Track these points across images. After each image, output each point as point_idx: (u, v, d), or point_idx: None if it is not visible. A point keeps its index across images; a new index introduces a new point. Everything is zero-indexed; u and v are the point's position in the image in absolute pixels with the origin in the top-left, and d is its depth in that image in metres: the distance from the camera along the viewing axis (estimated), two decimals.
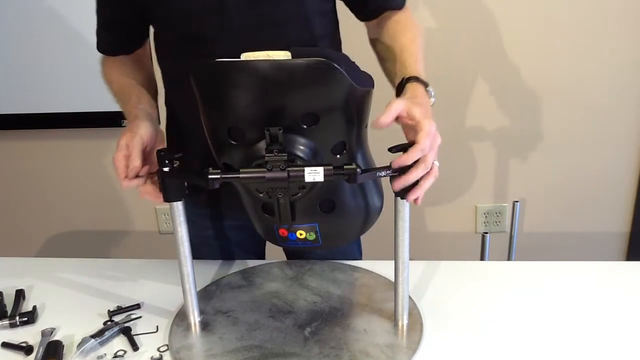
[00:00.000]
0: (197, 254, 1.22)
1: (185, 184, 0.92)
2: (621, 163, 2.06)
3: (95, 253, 2.33)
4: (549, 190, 2.12)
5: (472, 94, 2.01)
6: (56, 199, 2.29)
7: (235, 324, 1.01)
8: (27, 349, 0.97)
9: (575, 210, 2.14)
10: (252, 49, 0.84)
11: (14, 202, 2.32)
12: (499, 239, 2.16)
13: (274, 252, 1.28)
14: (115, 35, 1.13)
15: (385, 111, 0.82)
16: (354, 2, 1.11)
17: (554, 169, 2.09)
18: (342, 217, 0.96)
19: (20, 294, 1.11)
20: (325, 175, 0.83)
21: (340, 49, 1.15)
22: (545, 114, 2.01)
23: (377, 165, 0.90)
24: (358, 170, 0.83)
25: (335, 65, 0.80)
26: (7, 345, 0.98)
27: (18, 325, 1.03)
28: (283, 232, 0.96)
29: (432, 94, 0.95)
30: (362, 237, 1.32)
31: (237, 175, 0.85)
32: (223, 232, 1.23)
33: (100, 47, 1.15)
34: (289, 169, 0.83)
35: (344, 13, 1.13)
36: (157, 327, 1.02)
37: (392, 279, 1.08)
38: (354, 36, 1.14)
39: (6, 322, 1.03)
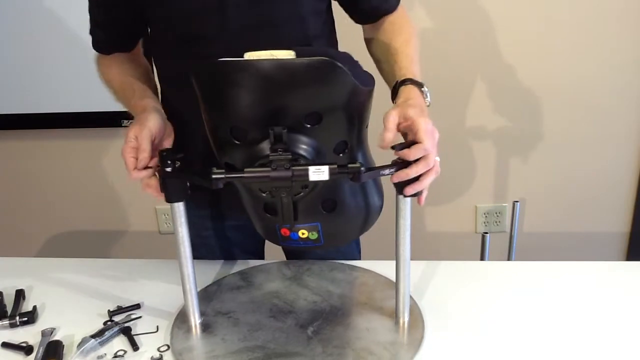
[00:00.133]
0: (197, 254, 1.22)
1: (187, 184, 0.92)
2: (621, 163, 2.06)
3: (95, 253, 2.33)
4: (549, 190, 2.12)
5: (472, 94, 2.01)
6: (56, 199, 2.29)
7: (237, 324, 1.01)
8: (27, 349, 0.97)
9: (575, 210, 2.14)
10: (251, 49, 0.84)
11: (14, 202, 2.32)
12: (499, 239, 2.15)
13: (274, 252, 1.28)
14: (113, 34, 1.12)
15: (384, 129, 0.84)
16: (349, 5, 1.12)
17: (554, 169, 2.08)
18: (344, 217, 0.96)
19: (20, 294, 1.11)
20: (330, 174, 0.83)
21: (337, 49, 1.15)
22: (546, 113, 2.01)
23: (377, 165, 0.90)
24: (362, 168, 0.84)
25: (339, 65, 0.80)
26: (7, 345, 0.98)
27: (18, 325, 1.03)
28: (285, 231, 0.96)
29: (428, 94, 0.95)
30: (361, 237, 1.32)
31: (241, 175, 0.85)
32: (223, 232, 1.23)
33: (97, 46, 1.14)
34: (293, 168, 0.83)
35: (341, 14, 1.13)
36: (157, 327, 1.02)
37: (392, 278, 1.09)
38: (351, 36, 1.14)
39: (6, 322, 1.03)
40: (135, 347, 0.96)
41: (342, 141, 0.89)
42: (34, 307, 1.06)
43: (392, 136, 0.84)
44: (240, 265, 1.21)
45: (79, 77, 1.96)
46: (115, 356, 0.95)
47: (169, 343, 0.97)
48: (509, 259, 2.05)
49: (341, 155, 0.89)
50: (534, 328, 0.98)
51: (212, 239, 1.24)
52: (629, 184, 2.09)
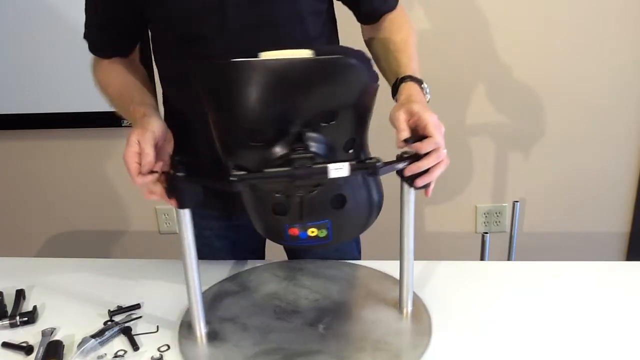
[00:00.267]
0: (198, 254, 1.22)
1: (201, 189, 0.90)
2: (621, 163, 2.06)
3: (95, 253, 2.33)
4: (549, 190, 2.12)
5: (471, 94, 2.01)
6: (56, 199, 2.29)
7: (245, 329, 0.99)
8: (28, 349, 0.97)
9: (575, 210, 2.14)
10: (251, 49, 0.84)
11: (14, 202, 2.32)
12: (499, 239, 2.15)
13: (274, 252, 1.28)
14: (112, 35, 1.11)
15: (398, 130, 0.88)
16: (353, 7, 1.13)
17: (554, 169, 2.08)
18: (351, 212, 0.96)
19: (20, 294, 1.11)
20: (350, 170, 0.84)
21: None
22: (546, 114, 2.01)
23: None
24: (379, 163, 0.86)
25: (357, 62, 0.82)
26: (7, 345, 0.98)
27: (18, 325, 1.04)
28: (294, 231, 0.94)
29: (427, 90, 0.97)
30: (361, 237, 1.32)
31: (263, 176, 0.84)
32: (225, 232, 1.23)
33: (95, 49, 1.12)
34: (315, 166, 0.84)
35: (342, 14, 1.14)
36: (158, 327, 1.02)
37: (386, 272, 1.14)
38: (352, 36, 1.14)
39: (6, 322, 1.03)
40: (135, 347, 0.96)
41: (351, 138, 0.90)
42: (34, 307, 1.06)
43: (407, 135, 0.88)
44: (238, 266, 1.20)
45: (79, 77, 1.96)
46: (116, 356, 0.95)
47: (179, 350, 0.97)
48: (509, 259, 2.05)
49: (350, 151, 0.90)
50: (534, 328, 0.98)
51: (214, 239, 1.24)
52: (629, 184, 2.09)
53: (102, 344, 0.97)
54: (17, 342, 0.99)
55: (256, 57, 0.80)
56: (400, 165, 0.88)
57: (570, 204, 2.13)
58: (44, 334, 1.01)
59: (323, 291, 1.09)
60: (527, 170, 2.10)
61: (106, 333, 0.98)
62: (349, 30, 1.16)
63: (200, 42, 1.01)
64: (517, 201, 1.95)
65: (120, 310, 1.06)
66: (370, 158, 0.87)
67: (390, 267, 1.15)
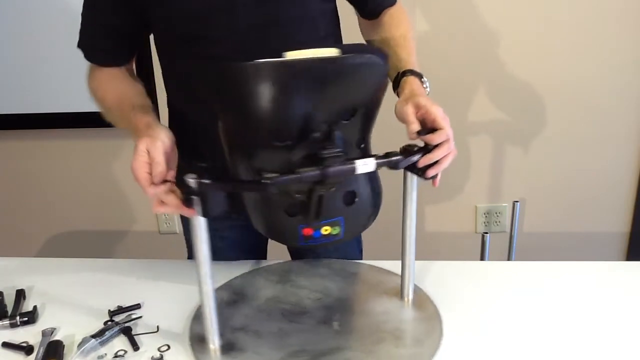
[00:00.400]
0: None
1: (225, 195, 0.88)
2: (621, 163, 2.06)
3: (95, 253, 2.33)
4: (549, 190, 2.12)
5: (471, 94, 2.01)
6: (56, 199, 2.29)
7: (260, 336, 0.97)
8: (28, 349, 0.97)
9: (575, 210, 2.14)
10: (259, 48, 0.85)
11: (14, 202, 2.32)
12: (499, 239, 2.15)
13: (274, 252, 1.28)
14: (112, 43, 1.08)
15: (408, 122, 0.92)
16: (358, 4, 1.15)
17: (554, 169, 2.08)
18: (359, 208, 0.97)
19: (20, 294, 1.11)
20: (377, 165, 0.87)
21: None
22: (546, 113, 2.01)
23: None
24: (399, 157, 0.89)
25: (380, 60, 0.84)
26: (7, 345, 0.98)
27: (18, 325, 1.03)
28: (308, 231, 0.93)
29: (427, 84, 1.01)
30: (362, 237, 1.33)
31: (298, 176, 0.83)
32: (227, 233, 1.23)
33: (93, 56, 1.09)
34: (348, 163, 0.85)
35: (343, 14, 1.14)
36: (158, 327, 1.02)
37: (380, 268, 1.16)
38: (353, 36, 1.15)
39: (7, 322, 1.03)
40: (135, 347, 0.96)
41: (362, 135, 0.91)
42: (35, 307, 1.06)
43: (418, 127, 0.91)
44: (239, 267, 1.20)
45: (79, 77, 1.95)
46: (116, 356, 0.95)
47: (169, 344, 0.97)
48: (509, 259, 2.05)
49: (362, 146, 0.92)
50: (534, 328, 0.98)
51: (215, 240, 1.23)
52: (629, 184, 2.09)
53: (102, 344, 0.97)
54: (17, 342, 0.99)
55: (281, 56, 0.80)
56: (416, 158, 0.91)
57: (570, 204, 2.13)
58: (44, 334, 1.01)
59: (323, 289, 1.09)
60: (527, 170, 2.10)
61: (106, 333, 0.98)
62: (350, 31, 1.16)
63: (208, 42, 1.00)
64: (517, 201, 1.95)
65: (120, 310, 1.06)
66: (394, 152, 0.90)
67: (388, 266, 1.15)
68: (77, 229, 2.35)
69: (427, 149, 0.91)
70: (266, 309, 1.05)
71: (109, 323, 1.02)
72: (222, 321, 0.97)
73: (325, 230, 0.93)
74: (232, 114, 0.85)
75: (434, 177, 0.93)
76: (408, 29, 1.13)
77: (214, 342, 0.95)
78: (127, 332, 1.00)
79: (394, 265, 1.14)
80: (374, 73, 0.85)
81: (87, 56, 1.10)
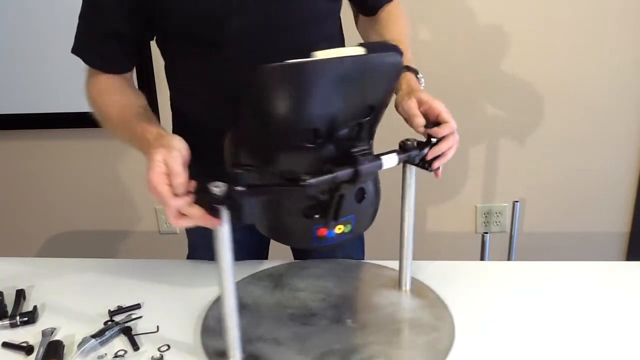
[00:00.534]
0: (203, 256, 1.22)
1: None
2: (621, 163, 2.06)
3: (95, 253, 2.33)
4: (549, 190, 2.12)
5: (471, 94, 2.01)
6: (56, 199, 2.29)
7: (280, 343, 0.95)
8: (28, 349, 0.97)
9: (575, 210, 2.14)
10: (270, 50, 0.86)
11: (14, 202, 2.32)
12: (499, 239, 2.15)
13: (276, 252, 1.28)
14: (117, 49, 1.04)
15: (414, 116, 0.95)
16: (356, 3, 1.16)
17: (554, 169, 2.09)
18: (367, 205, 0.97)
19: (20, 294, 1.11)
20: (398, 160, 0.90)
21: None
22: (546, 114, 2.01)
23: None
24: (417, 150, 0.93)
25: (400, 57, 0.86)
26: (7, 345, 0.98)
27: (18, 325, 1.03)
28: (322, 231, 0.92)
29: (422, 80, 1.04)
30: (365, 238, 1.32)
31: (333, 175, 0.83)
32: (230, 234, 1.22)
33: (95, 62, 1.05)
34: (376, 159, 0.87)
35: (343, 13, 1.14)
36: (158, 327, 1.02)
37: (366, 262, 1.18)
38: (352, 34, 1.16)
39: (7, 322, 1.03)
40: (135, 347, 0.96)
41: (373, 130, 0.92)
42: (35, 307, 1.06)
43: (424, 121, 0.95)
44: (239, 267, 1.20)
45: (79, 77, 1.96)
46: (116, 356, 0.95)
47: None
48: (509, 259, 2.05)
49: (371, 142, 0.93)
50: (534, 328, 0.98)
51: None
52: (629, 184, 2.09)
53: (102, 344, 0.97)
54: (17, 342, 0.99)
55: (310, 57, 0.81)
56: (426, 150, 0.95)
57: (570, 204, 2.13)
58: (44, 334, 1.01)
59: (322, 290, 1.09)
60: (527, 170, 2.10)
61: (106, 333, 0.98)
62: (348, 30, 1.17)
63: (219, 45, 0.99)
64: (517, 201, 1.96)
65: (120, 310, 1.06)
66: (411, 144, 0.94)
67: (384, 264, 1.15)
68: (77, 229, 2.35)
69: (431, 142, 0.94)
70: (274, 316, 1.03)
71: (109, 323, 1.02)
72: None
73: (339, 229, 0.93)
74: (264, 116, 0.83)
75: (437, 169, 0.97)
76: (405, 25, 1.15)
77: (236, 356, 0.91)
78: (127, 332, 0.99)
79: (390, 265, 1.14)
80: (395, 69, 0.87)
81: (89, 61, 1.06)
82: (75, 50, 1.05)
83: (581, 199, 2.12)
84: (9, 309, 1.08)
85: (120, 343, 0.98)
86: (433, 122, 0.95)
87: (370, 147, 0.92)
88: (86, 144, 2.18)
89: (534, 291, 1.08)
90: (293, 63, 0.78)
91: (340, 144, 0.87)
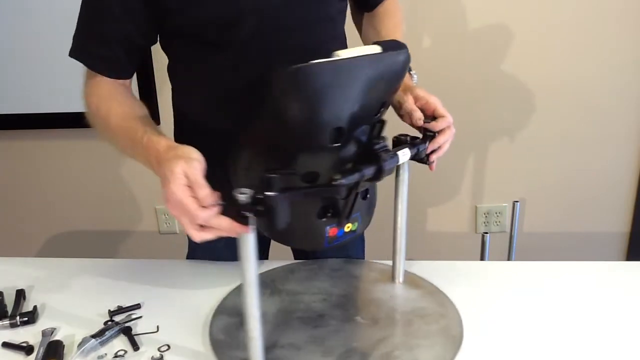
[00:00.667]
0: (200, 255, 1.23)
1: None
2: (621, 163, 2.06)
3: (95, 253, 2.33)
4: (549, 190, 2.12)
5: (471, 94, 2.01)
6: (56, 199, 2.29)
7: (300, 348, 0.94)
8: (28, 349, 0.97)
9: (575, 210, 2.14)
10: (280, 51, 0.90)
11: (14, 202, 2.32)
12: (499, 239, 2.15)
13: (275, 252, 1.28)
14: (121, 53, 1.00)
15: (413, 110, 0.99)
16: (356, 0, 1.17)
17: (554, 169, 2.09)
18: (370, 202, 0.98)
19: (20, 294, 1.11)
20: (410, 155, 0.93)
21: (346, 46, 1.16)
22: (545, 114, 2.01)
23: None
24: (424, 144, 0.97)
25: (409, 55, 0.88)
26: (7, 345, 0.98)
27: (18, 325, 1.03)
28: (333, 231, 0.92)
29: (415, 77, 1.07)
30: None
31: (361, 173, 0.84)
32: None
33: (100, 66, 1.01)
34: (394, 155, 0.88)
35: None
36: (158, 327, 1.02)
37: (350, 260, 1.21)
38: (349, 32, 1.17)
39: (7, 322, 1.03)
40: (135, 347, 0.96)
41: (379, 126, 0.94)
42: (35, 307, 1.06)
43: (422, 115, 0.99)
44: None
45: (79, 77, 1.96)
46: (116, 356, 0.95)
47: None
48: (509, 259, 2.05)
49: (385, 139, 0.95)
50: (534, 328, 0.98)
51: (216, 241, 1.23)
52: (629, 184, 2.09)
53: (102, 344, 0.97)
54: (17, 342, 0.99)
55: (331, 57, 0.81)
56: (427, 144, 0.99)
57: (570, 204, 2.13)
58: (44, 334, 1.01)
59: (320, 290, 1.09)
60: (527, 170, 2.10)
61: (106, 333, 0.98)
62: (347, 28, 1.17)
63: (228, 46, 0.98)
64: (517, 201, 1.95)
65: (120, 310, 1.06)
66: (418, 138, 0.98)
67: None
68: (77, 229, 2.35)
69: (429, 135, 0.99)
70: (282, 322, 1.01)
71: (109, 323, 1.02)
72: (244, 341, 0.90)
73: (348, 227, 0.93)
74: (290, 117, 0.82)
75: (431, 163, 1.01)
76: (400, 21, 1.17)
77: None
78: (127, 332, 1.00)
79: (382, 262, 1.14)
80: (405, 66, 0.89)
81: (92, 65, 1.02)
82: (76, 53, 1.02)
83: (581, 199, 2.12)
84: (9, 309, 1.08)
85: (120, 343, 0.98)
86: (429, 116, 1.00)
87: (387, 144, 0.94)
88: (86, 144, 2.18)
89: (534, 291, 1.08)
90: (321, 63, 0.79)
91: (359, 142, 0.88)
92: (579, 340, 0.94)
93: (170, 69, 1.10)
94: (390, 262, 1.12)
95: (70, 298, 1.11)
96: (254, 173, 0.89)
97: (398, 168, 1.01)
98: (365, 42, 1.20)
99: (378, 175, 0.87)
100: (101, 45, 0.99)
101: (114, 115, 0.97)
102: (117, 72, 1.02)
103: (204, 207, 0.78)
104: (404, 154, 0.92)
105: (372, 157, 0.86)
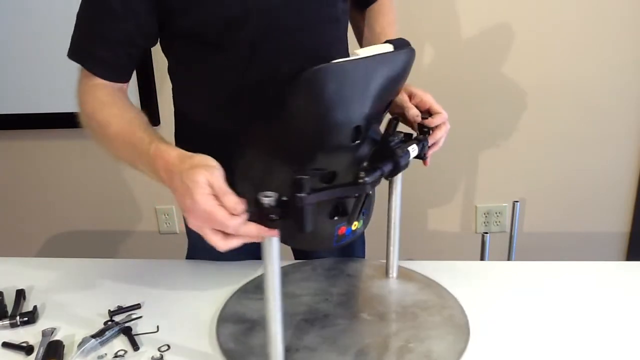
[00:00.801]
0: (200, 255, 1.23)
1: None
2: (621, 163, 2.06)
3: (95, 253, 2.33)
4: (549, 190, 2.12)
5: (471, 93, 2.01)
6: (56, 199, 2.29)
7: (314, 350, 0.93)
8: (28, 349, 0.97)
9: (575, 210, 2.14)
10: (286, 52, 0.91)
11: (14, 202, 2.32)
12: (499, 239, 2.16)
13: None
14: (124, 55, 0.98)
15: (408, 108, 1.01)
16: None
17: (554, 169, 2.09)
18: (372, 199, 0.99)
19: (20, 294, 1.11)
20: (418, 151, 0.95)
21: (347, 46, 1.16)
22: (546, 114, 2.01)
23: None
24: (426, 140, 0.98)
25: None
26: (7, 345, 0.98)
27: (19, 325, 1.03)
28: (342, 230, 0.91)
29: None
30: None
31: (381, 169, 0.85)
32: None
33: (101, 69, 0.98)
34: (407, 151, 0.89)
35: None
36: (158, 327, 1.02)
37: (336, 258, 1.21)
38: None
39: (7, 322, 1.03)
40: (135, 347, 0.96)
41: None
42: (35, 307, 1.06)
43: (418, 112, 1.02)
44: (239, 268, 1.20)
45: None
46: (116, 356, 0.95)
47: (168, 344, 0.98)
48: (509, 259, 2.05)
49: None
50: (534, 328, 0.98)
51: None
52: (629, 184, 2.09)
53: (102, 344, 0.97)
54: (17, 342, 0.99)
55: (351, 56, 0.82)
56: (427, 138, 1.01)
57: (570, 204, 2.13)
58: (44, 334, 1.01)
59: (319, 291, 1.09)
60: (527, 170, 2.10)
61: (106, 333, 0.98)
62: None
63: (237, 48, 0.97)
64: (517, 201, 1.96)
65: (120, 310, 1.06)
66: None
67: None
68: (77, 229, 2.35)
69: (423, 132, 1.01)
70: (289, 325, 0.99)
71: (109, 323, 1.02)
72: (264, 350, 0.88)
73: (355, 225, 0.93)
74: (313, 117, 0.82)
75: (427, 158, 1.03)
76: (394, 19, 1.18)
77: None
78: (127, 332, 0.99)
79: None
80: (411, 64, 0.91)
81: (92, 68, 0.99)
82: (76, 56, 0.99)
83: (581, 199, 2.12)
84: (9, 309, 1.08)
85: (120, 343, 0.98)
86: (424, 113, 1.02)
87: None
88: (86, 144, 2.17)
89: (534, 291, 1.08)
90: (345, 62, 0.79)
91: (373, 140, 0.89)
92: (579, 340, 0.94)
93: (171, 70, 1.10)
94: (380, 260, 1.13)
95: (70, 298, 1.11)
96: (269, 175, 0.87)
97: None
98: (358, 38, 1.22)
99: (395, 171, 0.88)
100: (102, 47, 0.96)
101: (115, 122, 0.93)
102: (117, 75, 0.99)
103: (233, 215, 0.75)
104: (413, 150, 0.94)
105: (388, 154, 0.87)
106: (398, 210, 1.07)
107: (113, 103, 0.96)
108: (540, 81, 1.97)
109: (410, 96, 1.03)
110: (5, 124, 2.16)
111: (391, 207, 1.07)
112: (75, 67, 1.03)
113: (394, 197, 1.06)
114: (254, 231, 0.77)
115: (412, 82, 1.01)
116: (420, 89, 1.04)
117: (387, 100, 0.91)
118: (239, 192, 0.77)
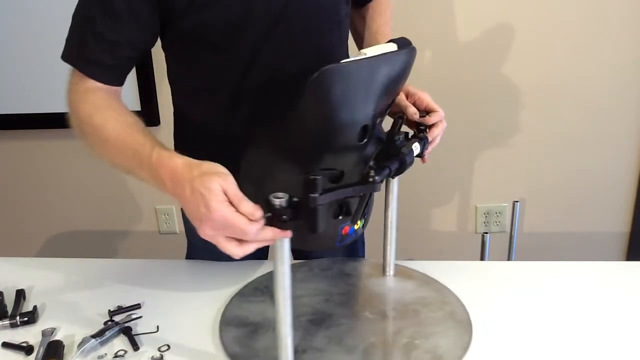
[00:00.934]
0: (200, 255, 1.23)
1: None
2: (621, 163, 2.06)
3: (96, 253, 2.33)
4: (549, 190, 2.12)
5: (471, 93, 2.01)
6: (56, 199, 2.29)
7: (322, 350, 0.93)
8: (28, 349, 0.97)
9: (575, 210, 2.14)
10: (290, 55, 0.91)
11: (14, 202, 2.32)
12: (499, 239, 2.15)
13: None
14: (123, 59, 0.96)
15: (406, 106, 1.02)
16: None
17: (554, 169, 2.09)
18: (371, 198, 0.98)
19: (20, 294, 1.11)
20: (420, 149, 0.96)
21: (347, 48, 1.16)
22: (546, 114, 2.01)
23: None
24: (426, 138, 0.99)
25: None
26: (7, 345, 0.98)
27: (18, 325, 1.03)
28: (346, 229, 0.91)
29: None
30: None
31: (389, 167, 0.86)
32: None
33: (98, 73, 0.94)
34: (411, 149, 0.90)
35: None
36: (158, 327, 1.02)
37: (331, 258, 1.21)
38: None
39: (7, 322, 1.03)
40: (135, 347, 0.96)
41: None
42: (35, 307, 1.06)
43: (416, 110, 1.03)
44: (239, 268, 1.20)
45: None
46: (116, 356, 0.95)
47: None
48: (509, 259, 2.05)
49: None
50: (534, 328, 0.98)
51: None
52: (629, 184, 2.09)
53: (102, 344, 0.97)
54: (17, 342, 0.99)
55: (358, 55, 0.83)
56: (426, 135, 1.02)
57: (570, 204, 2.13)
58: (44, 334, 1.01)
59: (319, 292, 1.09)
60: (527, 170, 2.10)
61: (106, 333, 0.98)
62: None
63: (240, 50, 0.97)
64: (517, 201, 1.95)
65: (120, 310, 1.06)
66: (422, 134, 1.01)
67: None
68: (77, 229, 2.35)
69: (420, 129, 1.02)
70: (292, 326, 0.97)
71: (109, 323, 1.02)
72: (269, 353, 0.89)
73: (357, 225, 0.94)
74: (324, 118, 0.81)
75: (424, 155, 1.03)
76: (390, 18, 1.19)
77: None
78: (127, 332, 0.99)
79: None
80: (412, 63, 0.91)
81: (89, 71, 0.95)
82: (72, 59, 0.95)
83: (581, 199, 2.12)
84: (9, 309, 1.08)
85: (120, 343, 0.98)
86: (421, 111, 1.04)
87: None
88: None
89: (534, 291, 1.08)
90: (355, 61, 0.80)
91: (378, 138, 0.89)
92: (580, 340, 0.94)
93: (172, 70, 1.09)
94: (375, 259, 1.14)
95: (70, 298, 1.11)
96: (275, 176, 0.87)
97: (387, 182, 1.03)
98: (354, 37, 1.22)
99: (401, 169, 0.89)
100: (100, 48, 0.93)
101: (112, 126, 0.90)
102: (113, 78, 0.96)
103: (251, 221, 0.74)
104: (416, 148, 0.95)
105: (394, 152, 0.88)
106: (395, 206, 1.08)
107: (109, 107, 0.93)
108: (540, 81, 1.97)
109: (408, 95, 1.04)
110: (5, 124, 2.16)
111: (388, 204, 1.07)
112: None
113: (391, 194, 1.07)
114: (270, 235, 0.76)
115: (412, 82, 1.01)
116: (416, 88, 1.05)
117: (391, 98, 0.92)
118: (244, 195, 0.76)
